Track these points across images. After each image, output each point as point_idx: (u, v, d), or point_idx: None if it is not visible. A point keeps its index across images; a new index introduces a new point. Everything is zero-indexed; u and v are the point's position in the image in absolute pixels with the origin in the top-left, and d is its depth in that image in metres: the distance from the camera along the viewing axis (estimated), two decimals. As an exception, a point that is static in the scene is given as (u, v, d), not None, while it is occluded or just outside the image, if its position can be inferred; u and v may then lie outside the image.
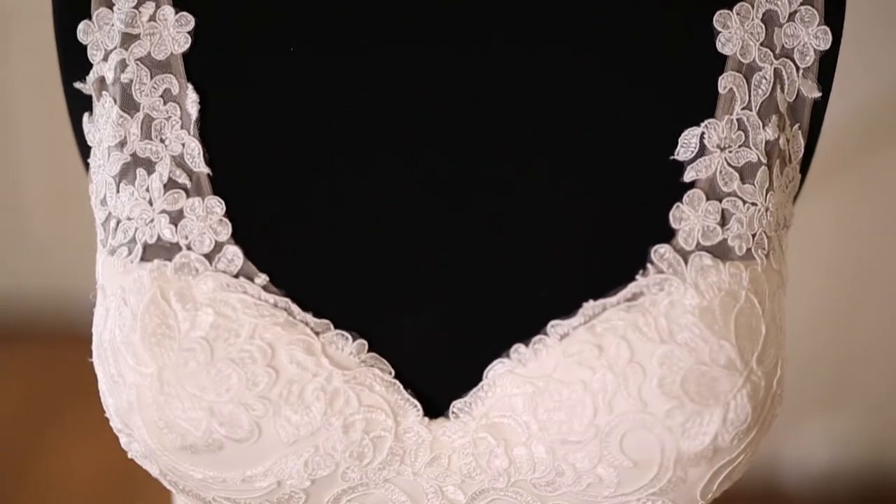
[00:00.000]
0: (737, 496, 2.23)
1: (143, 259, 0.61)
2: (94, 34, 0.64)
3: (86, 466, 2.33)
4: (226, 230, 0.61)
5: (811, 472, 2.26)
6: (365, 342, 0.61)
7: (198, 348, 0.58)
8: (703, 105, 0.62)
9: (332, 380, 0.59)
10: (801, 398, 2.11)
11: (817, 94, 0.64)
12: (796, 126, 0.64)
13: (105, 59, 0.63)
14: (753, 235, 0.61)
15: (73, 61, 0.65)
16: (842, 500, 2.28)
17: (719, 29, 0.63)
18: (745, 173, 0.62)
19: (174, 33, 0.63)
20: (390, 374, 0.61)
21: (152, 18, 0.63)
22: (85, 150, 0.66)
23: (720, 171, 0.61)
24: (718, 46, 0.63)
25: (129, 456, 0.63)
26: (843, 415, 2.24)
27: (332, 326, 0.61)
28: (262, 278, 0.60)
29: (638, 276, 0.60)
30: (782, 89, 0.63)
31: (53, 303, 2.56)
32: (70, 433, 2.40)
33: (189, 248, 0.61)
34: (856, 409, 2.24)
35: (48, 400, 2.50)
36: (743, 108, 0.62)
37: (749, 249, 0.61)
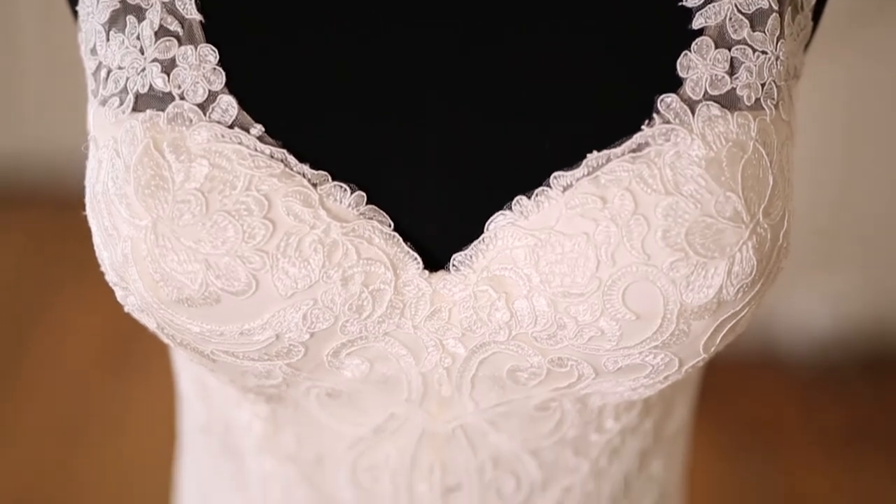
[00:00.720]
0: (734, 360, 2.25)
1: (134, 109, 0.59)
2: None
3: (86, 330, 2.34)
4: (219, 79, 0.59)
5: (809, 335, 2.28)
6: (363, 194, 0.60)
7: (192, 200, 0.57)
8: None
9: (330, 232, 0.58)
10: (799, 261, 2.12)
11: None
12: None
13: None
14: (763, 85, 0.60)
15: None
16: (840, 363, 2.30)
17: None
18: (756, 20, 0.59)
19: None
20: (389, 226, 0.60)
21: None
22: (72, -5, 0.64)
23: (730, 18, 0.59)
24: None
25: (126, 310, 0.63)
26: (840, 277, 2.25)
27: (329, 178, 0.59)
28: (258, 129, 0.59)
29: (644, 127, 0.58)
30: None
31: (57, 167, 2.55)
32: (71, 298, 2.41)
33: (182, 97, 0.59)
34: (854, 272, 2.25)
35: (49, 265, 2.51)
36: None
37: (758, 99, 0.59)
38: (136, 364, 2.26)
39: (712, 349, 0.61)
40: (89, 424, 2.12)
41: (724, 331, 0.61)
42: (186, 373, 0.74)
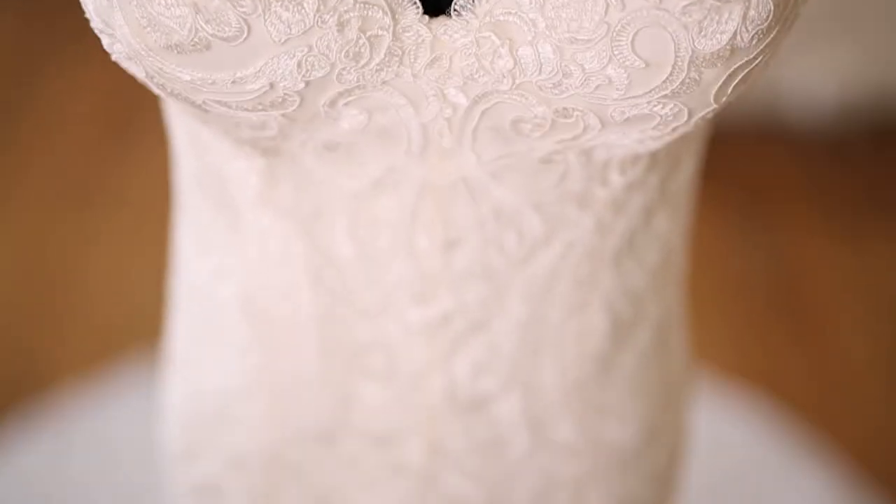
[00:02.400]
0: (738, 128, 2.23)
1: None
2: None
3: (86, 101, 2.31)
4: None
5: (815, 105, 2.25)
6: None
7: None
8: None
9: None
10: (806, 31, 2.06)
11: None
12: None
13: None
14: None
15: None
16: (846, 134, 2.28)
17: None
18: None
19: None
20: None
21: None
22: None
23: None
24: None
25: (113, 58, 0.60)
26: (848, 49, 2.20)
27: None
28: None
29: None
30: None
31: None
32: (70, 66, 2.37)
33: None
34: (859, 43, 2.20)
35: (48, 31, 2.45)
36: None
37: None
38: (137, 135, 2.24)
39: (723, 100, 0.59)
40: (90, 197, 2.12)
41: (736, 80, 0.58)
42: (180, 128, 0.72)
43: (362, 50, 0.57)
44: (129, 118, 2.26)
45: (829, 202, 2.16)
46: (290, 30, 0.55)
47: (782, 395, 1.77)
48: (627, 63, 0.56)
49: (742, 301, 1.97)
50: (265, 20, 0.55)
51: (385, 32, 0.57)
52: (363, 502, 0.78)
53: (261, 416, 0.77)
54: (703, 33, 0.55)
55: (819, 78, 2.21)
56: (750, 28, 0.55)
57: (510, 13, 0.56)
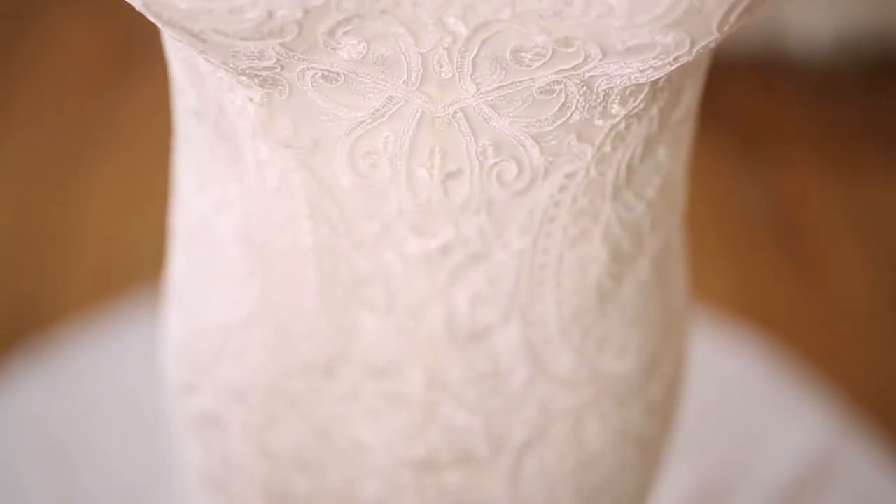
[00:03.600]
0: (739, 62, 2.21)
1: None
2: None
3: (85, 39, 2.29)
4: None
5: (816, 39, 2.23)
6: None
7: None
8: None
9: None
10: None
11: None
12: None
13: None
14: None
15: None
16: (847, 69, 2.26)
17: None
18: None
19: None
20: None
21: None
22: None
23: None
24: None
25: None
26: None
27: None
28: None
29: None
30: None
31: None
32: (68, 2, 2.35)
33: None
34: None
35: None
36: None
37: None
38: (136, 75, 2.22)
39: (726, 28, 0.59)
40: (88, 137, 2.11)
41: (740, 9, 0.58)
42: (178, 60, 0.71)
43: None
44: (129, 58, 2.24)
45: (829, 137, 2.15)
46: None
47: (780, 330, 1.78)
48: None
49: (741, 237, 1.97)
50: None
51: None
52: (363, 434, 0.79)
53: (260, 349, 0.77)
54: None
55: (818, 13, 2.20)
56: None
57: None
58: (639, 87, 0.64)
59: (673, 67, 0.60)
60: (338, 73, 0.62)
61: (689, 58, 0.60)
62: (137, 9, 0.60)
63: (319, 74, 0.63)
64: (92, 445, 1.57)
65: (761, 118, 2.19)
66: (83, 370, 1.66)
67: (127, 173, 2.03)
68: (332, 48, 0.60)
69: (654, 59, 0.59)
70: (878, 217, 2.01)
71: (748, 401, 1.65)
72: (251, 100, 0.66)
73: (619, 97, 0.65)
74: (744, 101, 2.20)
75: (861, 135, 2.15)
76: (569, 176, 0.68)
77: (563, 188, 0.68)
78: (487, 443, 0.79)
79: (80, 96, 2.19)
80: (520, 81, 0.62)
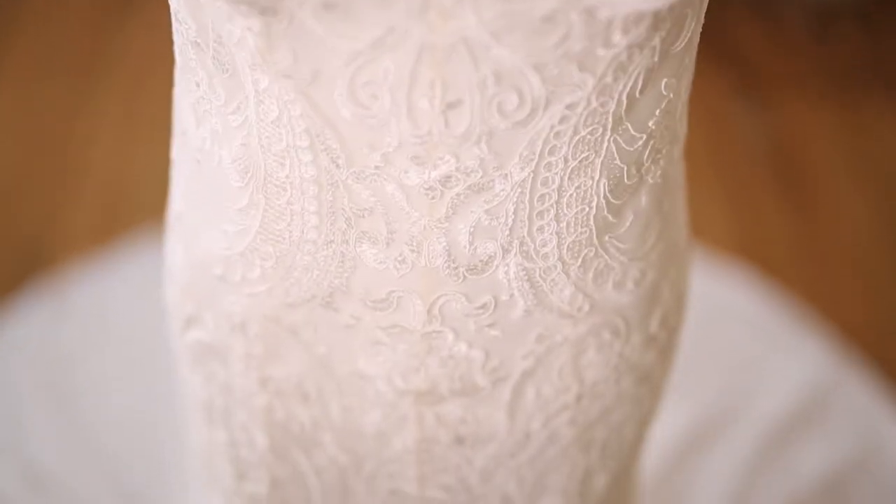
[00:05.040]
0: (738, 2, 2.17)
1: None
2: None
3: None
4: None
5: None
6: None
7: None
8: None
9: None
10: None
11: None
12: None
13: None
14: None
15: None
16: (848, 2, 2.25)
17: None
18: None
19: None
20: None
21: None
22: None
23: None
24: None
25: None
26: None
27: None
28: None
29: None
30: None
31: None
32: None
33: None
34: None
35: None
36: None
37: None
38: (139, 11, 2.20)
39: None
40: (88, 68, 2.10)
41: None
42: (176, -12, 0.71)
43: None
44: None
45: (829, 73, 2.14)
46: None
47: (779, 268, 1.78)
48: None
49: (739, 173, 1.97)
50: None
51: None
52: (364, 365, 0.79)
53: (261, 281, 0.77)
54: None
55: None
56: None
57: None
58: (641, 15, 0.64)
59: None
60: (337, 2, 0.62)
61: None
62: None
63: (319, 3, 0.62)
64: (92, 380, 1.58)
65: (761, 53, 2.18)
66: (85, 306, 1.67)
67: (129, 112, 2.02)
68: None
69: None
70: (879, 153, 2.00)
71: (746, 335, 1.65)
72: (250, 29, 0.65)
73: (621, 26, 0.64)
74: (743, 35, 2.19)
75: (861, 69, 2.14)
76: (570, 106, 0.67)
77: (563, 119, 0.68)
78: (487, 374, 0.79)
79: (81, 35, 2.18)
80: (521, 10, 0.61)
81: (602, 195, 0.73)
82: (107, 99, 2.05)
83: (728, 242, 1.82)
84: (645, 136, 0.72)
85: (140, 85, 2.06)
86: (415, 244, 0.72)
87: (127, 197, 1.87)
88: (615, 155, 0.71)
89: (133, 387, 1.57)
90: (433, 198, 0.70)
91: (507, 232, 0.72)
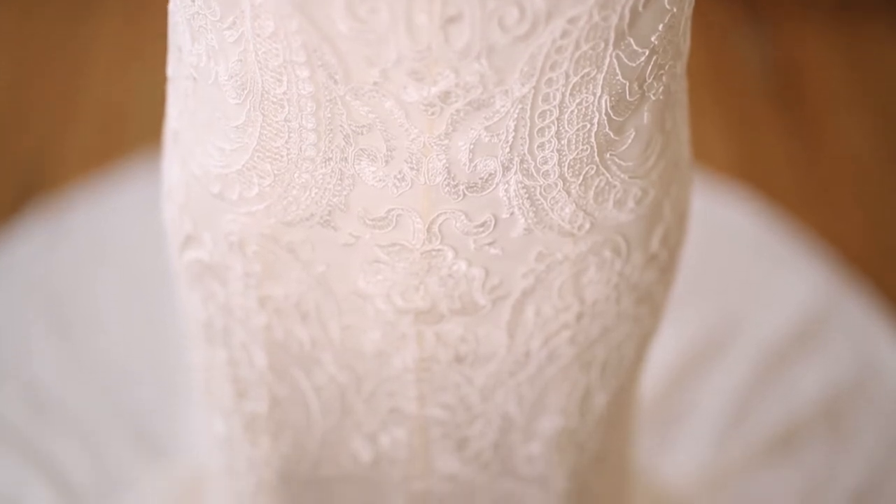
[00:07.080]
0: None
1: None
2: None
3: None
4: None
5: None
6: None
7: None
8: None
9: None
10: None
11: None
12: None
13: None
14: None
15: None
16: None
17: None
18: None
19: None
20: None
21: None
22: None
23: None
24: None
25: None
26: None
27: None
28: None
29: None
30: None
31: None
32: None
33: None
34: None
35: None
36: None
37: None
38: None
39: None
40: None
41: None
42: None
43: None
44: None
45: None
46: None
47: (780, 191, 1.77)
48: None
49: (739, 95, 1.96)
50: None
51: None
52: (363, 284, 0.79)
53: (259, 199, 0.77)
54: None
55: None
56: None
57: None
58: None
59: None
60: None
61: None
62: None
63: None
64: (92, 302, 1.58)
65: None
66: (84, 228, 1.66)
67: (127, 35, 2.00)
68: None
69: None
70: (880, 77, 1.99)
71: (746, 256, 1.66)
72: None
73: (623, -63, 0.63)
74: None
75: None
76: (571, 21, 0.66)
77: (565, 33, 0.67)
78: (486, 292, 0.79)
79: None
80: None
81: (604, 112, 0.72)
82: (103, 19, 2.03)
83: (728, 167, 1.81)
84: (648, 52, 0.71)
85: (137, 3, 2.03)
86: (414, 161, 0.72)
87: (124, 118, 1.86)
88: (617, 70, 0.70)
89: (132, 307, 1.57)
90: (433, 114, 0.70)
91: (508, 149, 0.72)
